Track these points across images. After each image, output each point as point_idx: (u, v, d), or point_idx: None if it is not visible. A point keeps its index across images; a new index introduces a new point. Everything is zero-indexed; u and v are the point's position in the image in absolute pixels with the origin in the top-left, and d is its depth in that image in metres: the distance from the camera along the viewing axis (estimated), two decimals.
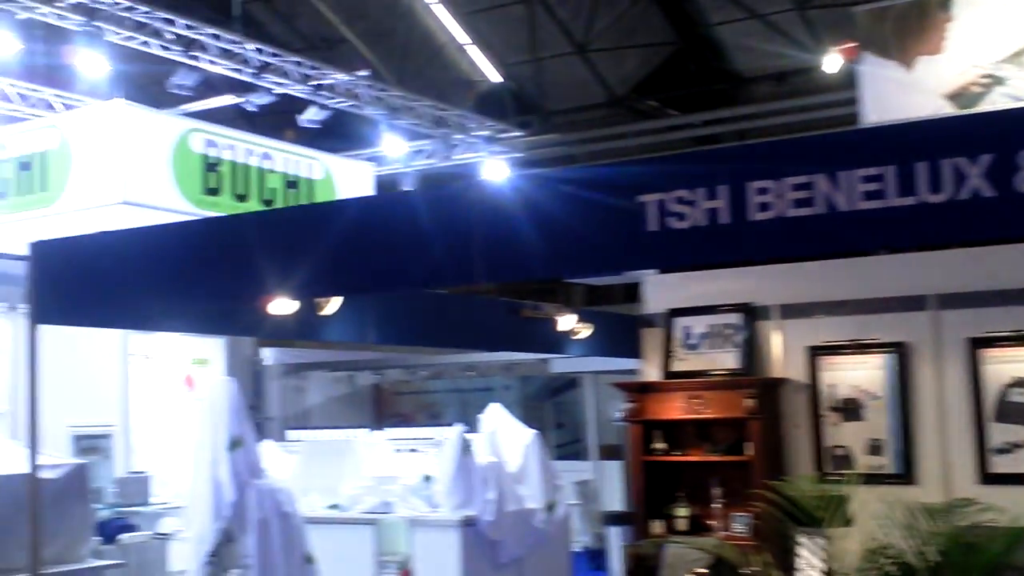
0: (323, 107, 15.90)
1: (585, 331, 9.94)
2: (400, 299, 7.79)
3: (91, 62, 12.58)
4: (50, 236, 5.46)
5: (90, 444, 12.31)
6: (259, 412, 14.20)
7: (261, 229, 4.91)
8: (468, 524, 9.28)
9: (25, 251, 5.48)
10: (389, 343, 11.56)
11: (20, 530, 7.05)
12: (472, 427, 9.87)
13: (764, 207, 3.97)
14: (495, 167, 18.41)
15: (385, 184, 16.31)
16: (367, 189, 13.68)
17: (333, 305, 6.84)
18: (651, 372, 9.81)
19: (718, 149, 7.56)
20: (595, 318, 10.13)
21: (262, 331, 9.06)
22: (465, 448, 9.50)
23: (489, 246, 4.52)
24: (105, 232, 5.54)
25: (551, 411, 17.92)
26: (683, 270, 9.59)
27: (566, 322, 9.76)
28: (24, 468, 7.18)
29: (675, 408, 9.43)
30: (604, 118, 20.35)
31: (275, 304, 5.80)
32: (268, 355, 17.54)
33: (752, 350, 9.18)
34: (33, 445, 5.47)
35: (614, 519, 12.24)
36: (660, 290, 9.83)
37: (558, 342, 9.96)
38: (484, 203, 4.63)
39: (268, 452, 9.40)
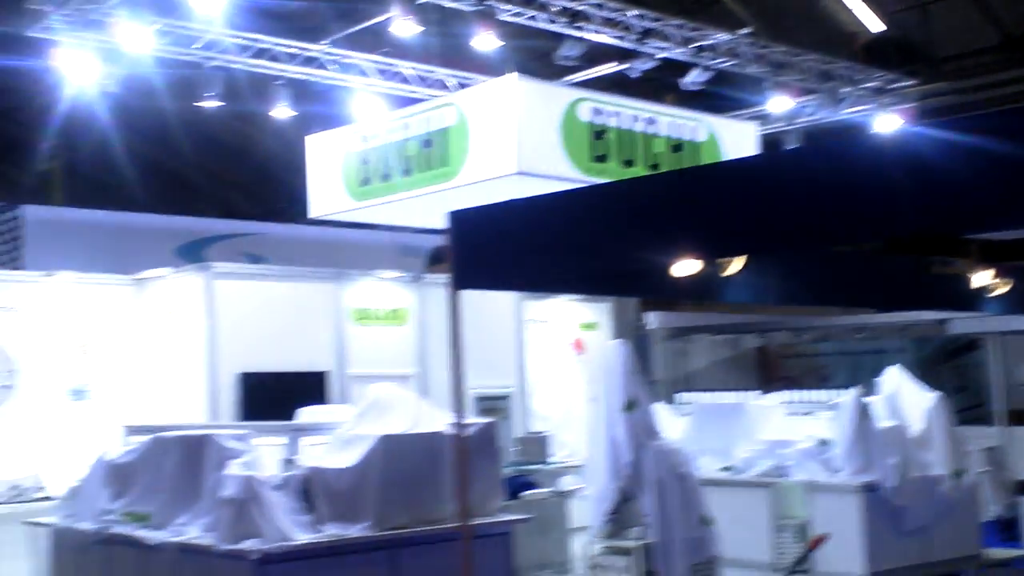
0: (706, 68, 15.78)
1: (1003, 287, 9.25)
2: (800, 258, 7.60)
3: (483, 40, 13.16)
4: (466, 206, 5.75)
5: (491, 405, 13.00)
6: (645, 375, 14.29)
7: (669, 191, 4.92)
8: (869, 490, 8.97)
9: (430, 225, 5.80)
10: (788, 303, 11.32)
11: (437, 485, 7.53)
12: (866, 390, 9.51)
13: None
14: (886, 120, 17.56)
15: (768, 143, 15.98)
16: (751, 149, 13.44)
17: (736, 265, 6.77)
18: None
19: None
20: (1015, 273, 9.38)
21: (664, 293, 9.15)
22: (863, 412, 9.17)
23: (887, 200, 4.30)
24: (515, 200, 5.75)
25: (950, 374, 16.97)
26: None
27: (981, 278, 9.12)
28: (438, 427, 7.67)
29: None
30: (998, 63, 18.93)
31: (680, 266, 5.80)
32: (651, 319, 17.75)
33: None
34: (458, 405, 5.79)
35: None
36: None
37: (969, 299, 9.33)
38: (887, 155, 4.40)
39: (659, 414, 9.48)
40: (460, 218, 5.64)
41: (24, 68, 13.76)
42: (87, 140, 18.91)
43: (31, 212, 14.48)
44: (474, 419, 8.34)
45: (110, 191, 19.84)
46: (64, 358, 11.97)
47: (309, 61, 13.74)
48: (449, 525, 6.22)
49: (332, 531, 7.37)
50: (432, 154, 11.29)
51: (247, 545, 6.96)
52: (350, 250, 16.23)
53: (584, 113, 11.34)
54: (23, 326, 11.81)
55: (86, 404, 12.03)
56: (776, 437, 9.96)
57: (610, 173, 11.22)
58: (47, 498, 10.48)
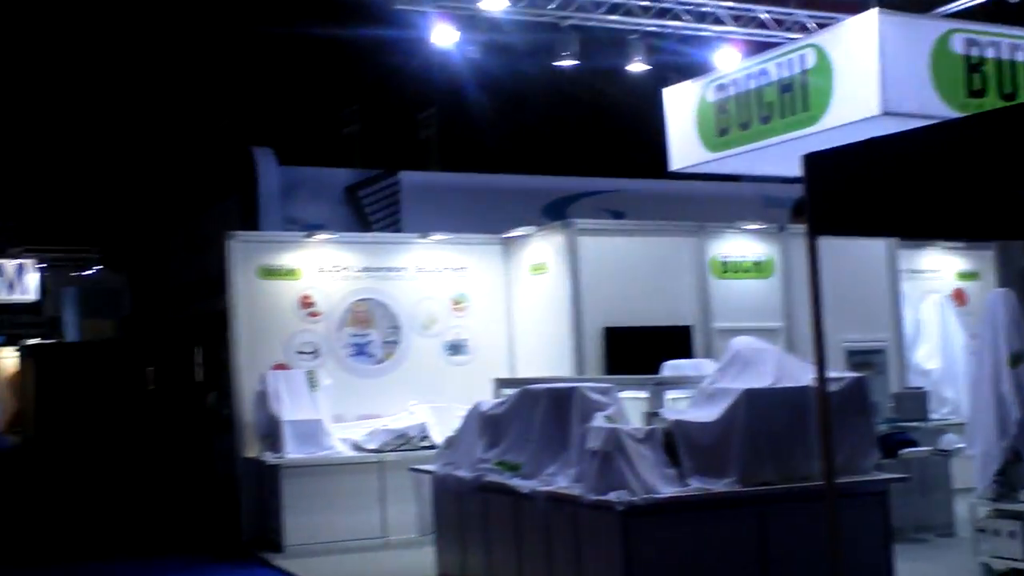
0: None
1: None
2: None
3: None
4: (821, 148, 5.46)
5: (863, 359, 12.47)
6: None
7: None
8: None
9: (792, 174, 5.54)
10: None
11: (805, 441, 7.30)
12: None
13: None
14: None
15: None
16: None
17: None
18: None
19: None
20: None
21: None
22: None
23: None
24: (877, 137, 5.40)
25: None
26: None
27: None
28: (804, 382, 7.41)
29: None
30: None
31: None
32: None
33: None
34: (819, 358, 5.54)
35: None
36: None
37: None
38: None
39: None
40: (816, 161, 5.36)
41: (397, 40, 14.55)
42: (455, 106, 19.80)
43: (407, 178, 15.33)
44: (843, 374, 8.02)
45: (478, 154, 20.70)
46: (441, 315, 12.63)
47: (663, 13, 13.61)
48: (820, 483, 5.98)
49: (697, 485, 7.33)
50: (792, 99, 10.89)
51: (613, 497, 7.06)
52: (712, 203, 16.03)
53: (957, 45, 10.53)
54: (403, 285, 12.56)
55: (462, 358, 12.65)
56: None
57: (988, 108, 10.36)
58: (431, 446, 11.09)
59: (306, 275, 12.16)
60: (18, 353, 30.68)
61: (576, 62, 13.46)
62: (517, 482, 8.12)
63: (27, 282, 29.40)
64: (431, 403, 11.97)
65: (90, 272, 29.22)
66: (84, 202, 27.05)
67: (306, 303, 12.10)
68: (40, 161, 25.39)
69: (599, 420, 7.58)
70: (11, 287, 29.41)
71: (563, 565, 7.60)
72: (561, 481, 7.78)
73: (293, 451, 11.20)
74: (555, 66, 14.22)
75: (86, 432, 21.08)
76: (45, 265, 29.89)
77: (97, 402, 21.52)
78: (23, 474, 20.91)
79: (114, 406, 21.22)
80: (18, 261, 29.26)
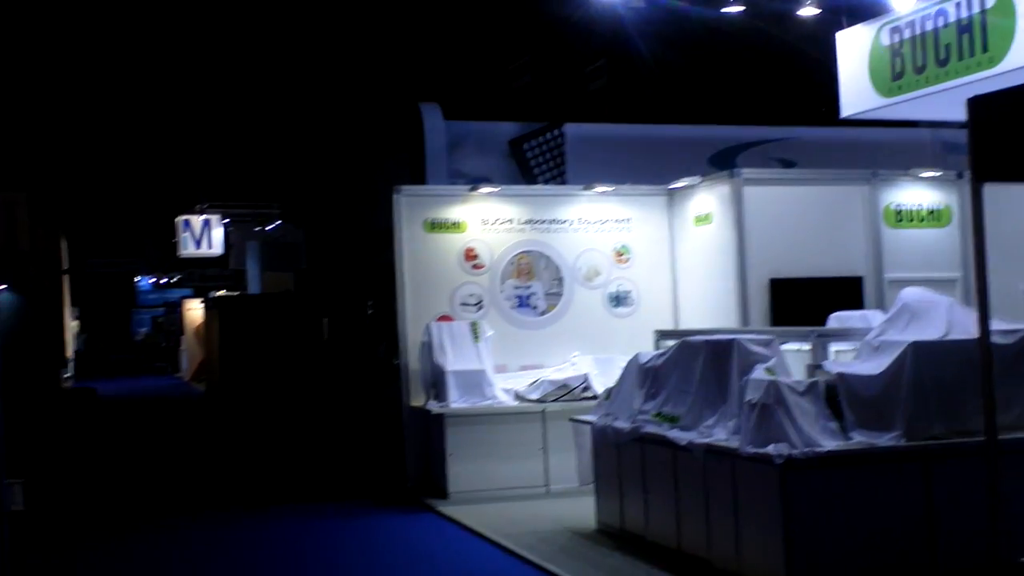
0: None
1: None
2: None
3: None
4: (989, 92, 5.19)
5: None
6: None
7: None
8: None
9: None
10: None
11: (975, 395, 7.00)
12: None
13: None
14: None
15: None
16: None
17: None
18: None
19: None
20: None
21: None
22: None
23: None
24: None
25: None
26: None
27: None
28: (975, 334, 7.10)
29: None
30: None
31: None
32: None
33: None
34: (982, 309, 5.30)
35: None
36: None
37: None
38: None
39: None
40: (981, 104, 5.10)
41: None
42: (621, 57, 19.61)
43: (571, 130, 15.27)
44: (1019, 325, 7.65)
45: (646, 105, 20.48)
46: (604, 267, 12.60)
47: None
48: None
49: (860, 439, 7.14)
50: (971, 40, 10.37)
51: (772, 450, 6.94)
52: (885, 150, 15.44)
53: None
54: (567, 237, 12.57)
55: (624, 310, 12.60)
56: None
57: None
58: (593, 397, 11.13)
59: (471, 228, 12.29)
60: (204, 305, 32.16)
61: (743, 7, 13.16)
62: (675, 434, 8.07)
63: (213, 237, 30.72)
64: (593, 354, 11.99)
65: (271, 227, 30.26)
66: (266, 161, 28.03)
67: (470, 255, 12.24)
68: (225, 122, 26.42)
69: (759, 372, 7.45)
70: (198, 242, 30.79)
71: (721, 518, 7.54)
72: (719, 433, 7.69)
73: (457, 400, 11.39)
74: (723, 13, 13.95)
75: (266, 381, 21.95)
76: (229, 221, 31.10)
77: (276, 352, 22.35)
78: (208, 420, 21.95)
79: (291, 356, 22.00)
80: (204, 217, 30.56)
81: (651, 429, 8.43)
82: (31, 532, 10.01)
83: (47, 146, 27.13)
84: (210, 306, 29.80)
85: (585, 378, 11.69)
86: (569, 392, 11.61)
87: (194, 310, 35.29)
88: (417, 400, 11.84)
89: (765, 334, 8.27)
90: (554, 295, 12.47)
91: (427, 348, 11.67)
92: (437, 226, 12.21)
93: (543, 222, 12.55)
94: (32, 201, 20.42)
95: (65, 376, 28.30)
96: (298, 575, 8.79)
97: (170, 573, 9.08)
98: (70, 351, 32.94)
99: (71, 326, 43.52)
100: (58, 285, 28.27)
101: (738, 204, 11.69)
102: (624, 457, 8.89)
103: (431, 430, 11.53)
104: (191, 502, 12.14)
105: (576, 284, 12.53)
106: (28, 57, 22.05)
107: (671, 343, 9.03)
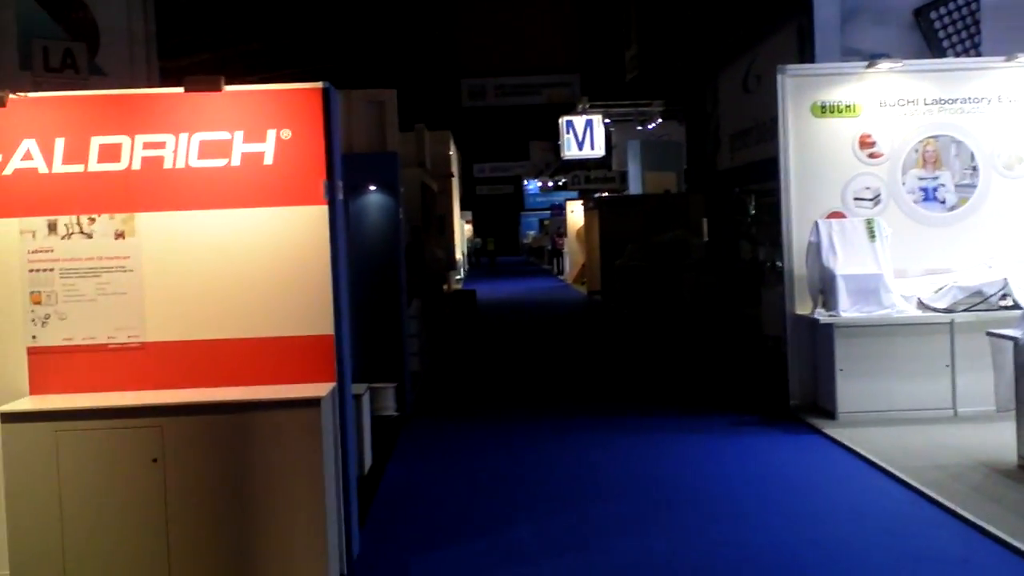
0: None
1: None
2: None
3: None
4: None
5: None
6: None
7: None
8: None
9: None
10: None
11: None
12: None
13: None
14: None
15: None
16: None
17: None
18: None
19: None
20: None
21: None
22: None
23: None
24: None
25: None
26: None
27: None
28: None
29: None
30: None
31: None
32: None
33: None
34: None
35: None
36: None
37: None
38: None
39: None
40: None
41: None
42: None
43: None
44: None
45: None
46: None
47: None
48: None
49: None
50: None
51: None
52: None
53: None
54: (983, 118, 10.74)
55: None
56: None
57: None
58: (1014, 306, 9.53)
59: (866, 111, 10.76)
60: (584, 207, 32.03)
61: None
62: None
63: (596, 137, 30.30)
64: (1014, 257, 10.21)
65: (652, 126, 29.44)
66: (651, 56, 27.06)
67: (866, 143, 10.74)
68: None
69: None
70: (580, 143, 30.49)
71: None
72: None
73: (848, 309, 10.07)
74: None
75: (645, 284, 21.28)
76: (610, 121, 30.56)
77: (654, 256, 21.59)
78: (590, 325, 21.64)
79: (668, 258, 21.16)
80: (586, 117, 30.17)
81: None
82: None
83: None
84: (590, 207, 29.56)
85: (1004, 284, 10.00)
86: (984, 300, 9.96)
87: (576, 212, 35.30)
88: (803, 308, 10.59)
89: None
90: (966, 187, 10.73)
91: (815, 249, 10.38)
92: (827, 110, 10.77)
93: (954, 101, 10.76)
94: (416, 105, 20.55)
95: (456, 279, 29.03)
96: (684, 493, 7.89)
97: (554, 479, 8.45)
98: (460, 255, 33.88)
99: (465, 230, 45.19)
100: (447, 190, 28.94)
101: None
102: None
103: (818, 342, 10.28)
104: (571, 407, 11.62)
105: (994, 173, 10.70)
106: None
107: None
